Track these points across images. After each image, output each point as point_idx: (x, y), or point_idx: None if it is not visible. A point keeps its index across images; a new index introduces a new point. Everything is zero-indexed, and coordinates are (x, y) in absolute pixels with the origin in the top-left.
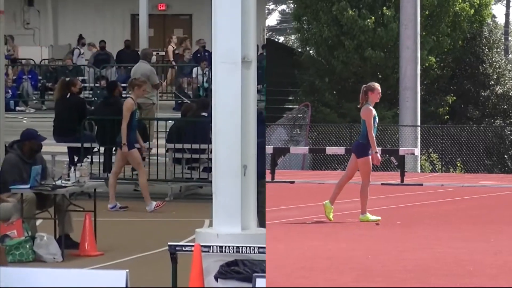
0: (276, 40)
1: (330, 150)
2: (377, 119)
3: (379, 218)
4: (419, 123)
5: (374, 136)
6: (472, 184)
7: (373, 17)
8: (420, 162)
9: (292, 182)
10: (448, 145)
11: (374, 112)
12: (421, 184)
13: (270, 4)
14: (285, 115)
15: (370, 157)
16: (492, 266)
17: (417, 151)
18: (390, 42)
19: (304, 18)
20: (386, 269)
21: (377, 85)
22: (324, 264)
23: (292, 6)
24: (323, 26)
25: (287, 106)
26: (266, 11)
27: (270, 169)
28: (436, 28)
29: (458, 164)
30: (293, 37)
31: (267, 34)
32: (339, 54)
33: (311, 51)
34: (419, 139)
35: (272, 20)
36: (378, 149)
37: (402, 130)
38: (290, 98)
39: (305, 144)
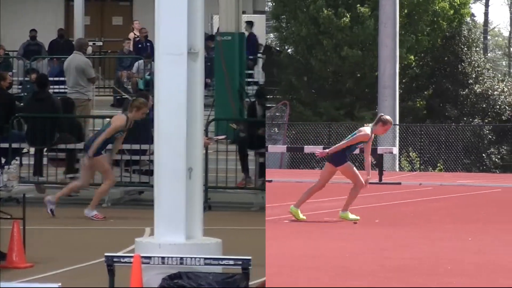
0: None
1: (308, 149)
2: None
3: (358, 218)
4: (397, 122)
5: (340, 147)
6: (451, 183)
7: (349, 15)
8: (399, 161)
9: (270, 181)
10: (427, 144)
11: (368, 137)
12: (400, 183)
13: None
14: None
15: (348, 162)
16: (471, 265)
17: (395, 150)
18: (367, 40)
19: (282, 16)
20: (365, 268)
21: (391, 123)
22: (304, 263)
23: (271, 4)
24: (301, 25)
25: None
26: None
27: None
28: (415, 27)
29: (437, 164)
30: (271, 35)
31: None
32: (317, 53)
33: (289, 50)
34: (397, 138)
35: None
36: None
37: None
38: (269, 96)
39: (283, 143)
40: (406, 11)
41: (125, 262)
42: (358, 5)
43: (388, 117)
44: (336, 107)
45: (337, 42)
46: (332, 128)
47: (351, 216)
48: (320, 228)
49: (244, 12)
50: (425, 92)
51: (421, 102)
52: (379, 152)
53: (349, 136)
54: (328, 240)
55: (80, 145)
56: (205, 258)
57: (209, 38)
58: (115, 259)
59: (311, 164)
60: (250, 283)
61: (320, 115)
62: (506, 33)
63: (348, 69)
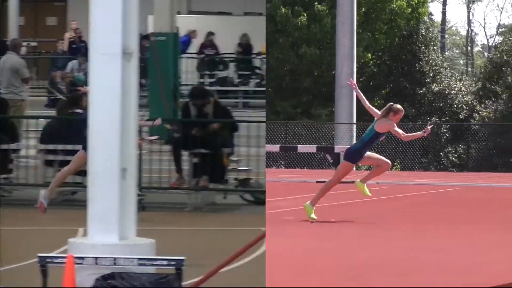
0: None
1: (265, 147)
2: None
3: (316, 218)
4: (354, 121)
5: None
6: (408, 181)
7: (306, 14)
8: None
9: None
10: (384, 142)
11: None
12: None
13: None
14: None
15: (350, 163)
16: (428, 265)
17: None
18: (324, 38)
19: None
20: (323, 267)
21: (402, 111)
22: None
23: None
24: None
25: None
26: None
27: None
28: (373, 26)
29: (394, 162)
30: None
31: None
32: (274, 51)
33: None
34: (354, 137)
35: None
36: (313, 146)
37: (337, 128)
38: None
39: None
40: (363, 9)
41: (58, 263)
42: (316, 3)
43: (399, 106)
44: (293, 106)
45: (294, 41)
46: (289, 127)
47: (312, 215)
48: (276, 227)
49: (178, 13)
50: (383, 91)
51: (379, 101)
52: (336, 151)
53: (367, 133)
54: (285, 238)
55: (13, 146)
56: (139, 259)
57: (143, 38)
58: (48, 260)
59: (268, 163)
60: (183, 283)
61: (277, 113)
62: (463, 32)
63: (305, 68)
